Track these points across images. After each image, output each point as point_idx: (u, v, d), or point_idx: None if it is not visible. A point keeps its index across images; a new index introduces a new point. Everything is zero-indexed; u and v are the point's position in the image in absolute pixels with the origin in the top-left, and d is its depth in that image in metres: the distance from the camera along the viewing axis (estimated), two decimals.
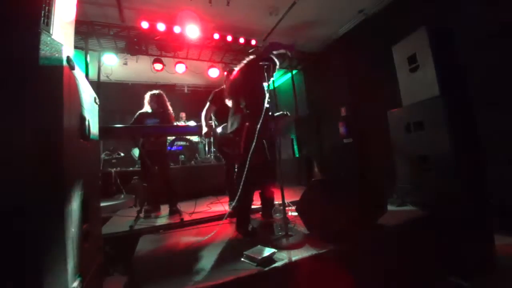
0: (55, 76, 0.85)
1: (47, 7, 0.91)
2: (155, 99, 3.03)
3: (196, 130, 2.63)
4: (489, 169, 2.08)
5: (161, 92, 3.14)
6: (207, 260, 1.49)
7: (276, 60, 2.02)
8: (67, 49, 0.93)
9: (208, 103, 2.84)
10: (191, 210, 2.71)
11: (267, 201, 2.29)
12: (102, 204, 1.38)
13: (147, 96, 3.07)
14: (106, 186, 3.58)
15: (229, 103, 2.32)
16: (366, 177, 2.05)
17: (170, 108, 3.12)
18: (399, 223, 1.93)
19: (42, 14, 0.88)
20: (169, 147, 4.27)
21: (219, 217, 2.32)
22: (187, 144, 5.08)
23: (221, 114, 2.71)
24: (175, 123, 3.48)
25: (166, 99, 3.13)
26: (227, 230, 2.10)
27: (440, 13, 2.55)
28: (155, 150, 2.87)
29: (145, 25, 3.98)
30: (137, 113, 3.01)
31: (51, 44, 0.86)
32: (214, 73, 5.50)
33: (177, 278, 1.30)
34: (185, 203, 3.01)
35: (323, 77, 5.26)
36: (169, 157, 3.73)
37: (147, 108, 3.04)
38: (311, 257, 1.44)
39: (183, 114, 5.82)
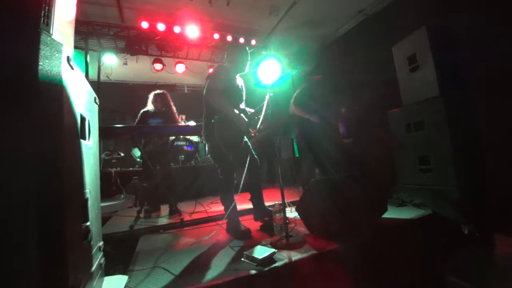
0: (54, 76, 0.85)
1: (47, 7, 0.91)
2: (159, 99, 3.03)
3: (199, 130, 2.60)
4: (489, 168, 2.08)
5: (165, 91, 3.14)
6: (207, 260, 1.49)
7: None
8: (67, 49, 0.93)
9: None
10: (191, 210, 2.71)
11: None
12: (102, 204, 1.38)
13: (150, 96, 3.08)
14: (106, 186, 3.58)
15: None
16: (366, 177, 2.04)
17: (174, 108, 3.12)
18: (399, 223, 1.94)
19: (42, 14, 0.88)
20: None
21: (219, 217, 2.32)
22: (187, 144, 5.07)
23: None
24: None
25: (170, 99, 3.13)
26: None
27: (440, 13, 2.55)
28: (157, 150, 2.88)
29: (145, 25, 3.99)
30: (141, 112, 3.01)
31: (51, 44, 0.86)
32: None
33: (177, 278, 1.30)
34: (185, 203, 3.02)
35: (323, 77, 5.25)
36: (172, 154, 3.73)
37: (150, 107, 3.04)
38: (311, 257, 1.44)
39: (183, 117, 5.82)
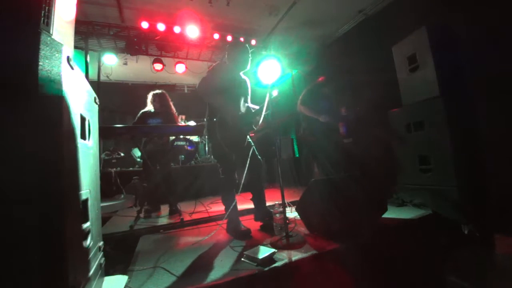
0: (54, 76, 0.84)
1: (47, 7, 0.90)
2: (157, 99, 3.02)
3: (198, 130, 2.60)
4: (489, 168, 2.08)
5: (164, 91, 3.13)
6: (208, 260, 1.49)
7: None
8: (67, 49, 0.93)
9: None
10: (191, 210, 2.71)
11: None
12: (102, 204, 1.38)
13: (149, 96, 3.07)
14: (106, 186, 3.58)
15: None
16: (366, 177, 2.05)
17: (173, 108, 3.11)
18: (399, 223, 1.94)
19: (42, 14, 0.88)
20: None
21: (219, 217, 2.32)
22: (187, 144, 5.07)
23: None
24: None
25: (169, 99, 3.12)
26: None
27: (440, 13, 2.55)
28: (157, 150, 2.87)
29: (145, 25, 3.99)
30: (140, 112, 3.00)
31: (51, 44, 0.86)
32: None
33: (177, 278, 1.30)
34: (185, 203, 3.02)
35: (326, 78, 5.24)
36: (173, 154, 3.74)
37: (149, 107, 3.04)
38: (311, 257, 1.44)
39: (183, 117, 5.81)
